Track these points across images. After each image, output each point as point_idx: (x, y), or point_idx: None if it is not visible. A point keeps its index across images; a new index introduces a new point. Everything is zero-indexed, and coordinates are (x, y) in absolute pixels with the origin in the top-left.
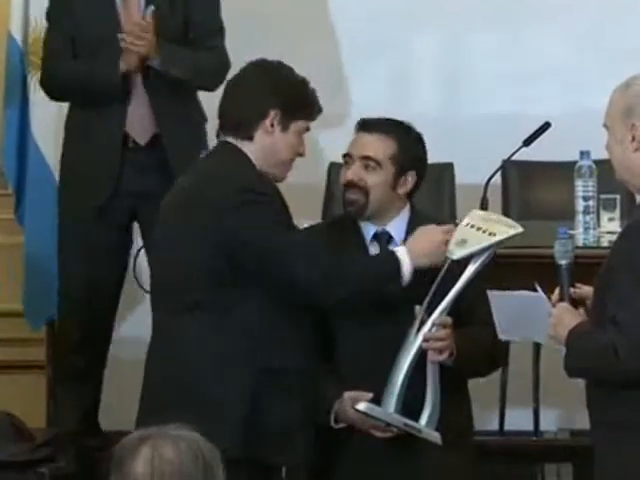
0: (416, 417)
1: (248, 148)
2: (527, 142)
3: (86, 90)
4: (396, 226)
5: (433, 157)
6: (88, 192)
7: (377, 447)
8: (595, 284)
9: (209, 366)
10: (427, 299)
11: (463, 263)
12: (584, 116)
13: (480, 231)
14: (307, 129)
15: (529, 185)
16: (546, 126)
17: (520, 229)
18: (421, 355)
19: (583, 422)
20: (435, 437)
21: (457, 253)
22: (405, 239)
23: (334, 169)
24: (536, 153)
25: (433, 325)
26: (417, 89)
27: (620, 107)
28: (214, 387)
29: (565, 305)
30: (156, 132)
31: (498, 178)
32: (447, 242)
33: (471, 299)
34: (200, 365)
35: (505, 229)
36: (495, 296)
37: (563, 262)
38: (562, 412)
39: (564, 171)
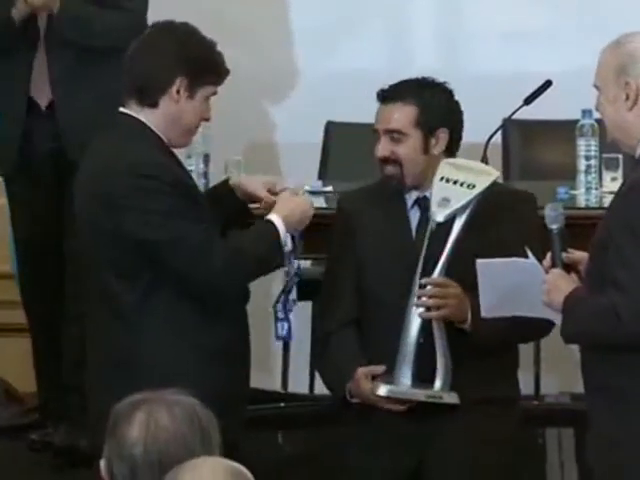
0: (430, 381)
1: (150, 116)
2: (528, 100)
3: None
4: None
5: None
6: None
7: (396, 417)
8: (591, 248)
9: (134, 350)
10: (420, 266)
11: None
12: (586, 74)
13: (458, 185)
14: (214, 93)
15: (530, 144)
16: (547, 84)
17: (497, 173)
18: (428, 321)
19: None
20: (453, 397)
21: (441, 214)
22: None
23: (331, 127)
24: (537, 112)
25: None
26: (417, 48)
27: (612, 66)
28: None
29: (559, 271)
30: (51, 100)
31: (498, 137)
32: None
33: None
34: (127, 347)
35: (483, 178)
36: (484, 264)
37: (554, 226)
38: (563, 375)
39: (566, 130)
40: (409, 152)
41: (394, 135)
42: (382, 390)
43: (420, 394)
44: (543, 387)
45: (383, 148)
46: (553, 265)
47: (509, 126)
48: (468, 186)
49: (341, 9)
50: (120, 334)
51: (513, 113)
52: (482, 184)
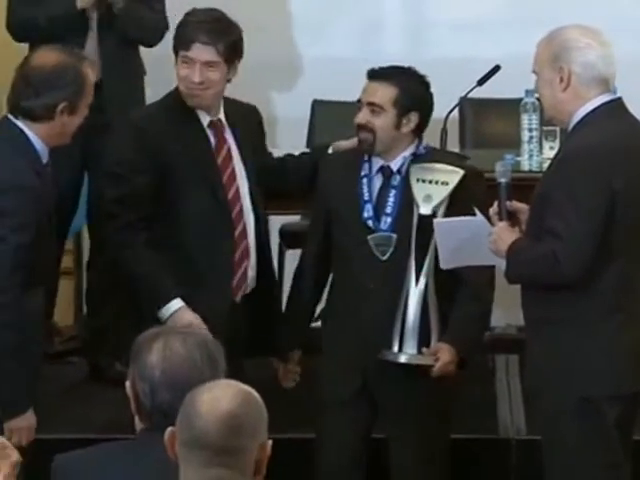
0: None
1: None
2: (480, 82)
3: (44, 26)
4: (397, 162)
5: None
6: None
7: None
8: (532, 202)
9: None
10: (413, 253)
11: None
12: (528, 59)
13: (433, 183)
14: None
15: (482, 119)
16: (496, 68)
17: (461, 171)
18: (424, 298)
19: None
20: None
21: (427, 208)
22: (405, 174)
23: (317, 105)
24: (488, 91)
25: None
26: (385, 37)
27: (547, 55)
28: None
29: (504, 224)
30: (100, 78)
31: (456, 113)
32: None
33: None
34: None
35: (451, 176)
36: (440, 224)
37: (502, 180)
38: (510, 310)
39: (512, 107)
40: (383, 125)
41: (374, 108)
42: (402, 358)
43: (429, 359)
44: (493, 319)
45: (362, 116)
46: (499, 213)
47: (464, 104)
48: (442, 184)
49: (325, 5)
50: None
51: (468, 93)
52: (453, 180)
